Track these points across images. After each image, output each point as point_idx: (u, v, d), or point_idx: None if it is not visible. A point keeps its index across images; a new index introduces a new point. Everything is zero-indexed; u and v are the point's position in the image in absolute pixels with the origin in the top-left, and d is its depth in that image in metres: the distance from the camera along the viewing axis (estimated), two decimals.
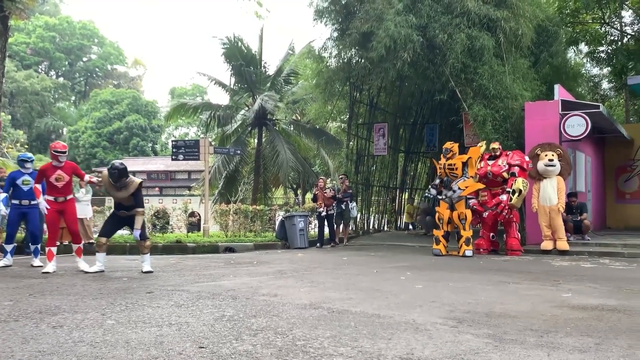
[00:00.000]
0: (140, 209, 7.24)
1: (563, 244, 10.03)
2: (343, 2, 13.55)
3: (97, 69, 60.22)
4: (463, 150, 11.39)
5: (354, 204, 13.65)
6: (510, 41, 12.08)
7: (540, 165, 10.35)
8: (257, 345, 3.26)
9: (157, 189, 39.45)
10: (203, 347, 3.20)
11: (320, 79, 15.05)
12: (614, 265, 8.33)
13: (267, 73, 20.97)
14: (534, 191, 10.45)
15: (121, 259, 9.61)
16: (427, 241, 11.75)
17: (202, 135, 25.40)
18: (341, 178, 13.90)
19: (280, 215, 14.38)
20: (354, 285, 6.04)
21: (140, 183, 7.27)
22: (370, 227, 18.10)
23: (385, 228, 18.98)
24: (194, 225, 22.46)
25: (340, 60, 14.63)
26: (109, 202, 18.51)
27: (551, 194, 10.17)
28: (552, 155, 10.27)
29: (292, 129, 23.05)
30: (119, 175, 7.02)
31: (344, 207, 12.89)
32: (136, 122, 48.54)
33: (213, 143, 17.37)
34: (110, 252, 8.83)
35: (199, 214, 26.54)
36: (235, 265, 8.40)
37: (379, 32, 11.83)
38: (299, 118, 23.91)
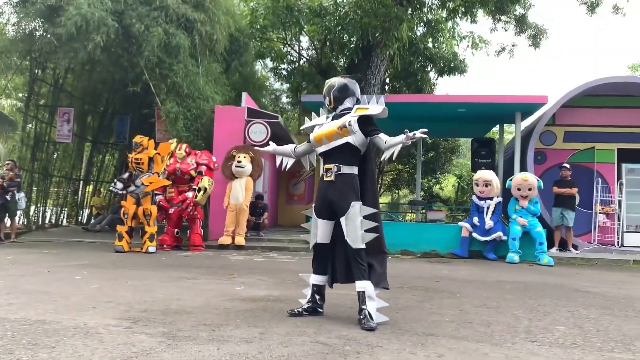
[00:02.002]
0: None
1: (240, 240, 10.92)
2: None
3: None
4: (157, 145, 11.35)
5: (22, 194, 12.16)
6: (206, 44, 12.57)
7: (233, 166, 11.09)
8: None
9: None
10: None
11: None
12: (281, 259, 9.45)
13: None
14: (226, 189, 11.10)
15: None
16: (110, 237, 11.25)
17: None
18: (8, 164, 12.19)
19: None
20: (17, 288, 5.35)
21: None
22: (47, 221, 16.36)
23: (65, 223, 17.36)
24: None
25: (21, 31, 12.82)
26: None
27: (239, 192, 10.97)
28: (243, 157, 11.10)
29: None
30: None
31: (9, 198, 11.39)
32: None
33: None
34: None
35: None
36: None
37: (70, 9, 10.81)
38: None
